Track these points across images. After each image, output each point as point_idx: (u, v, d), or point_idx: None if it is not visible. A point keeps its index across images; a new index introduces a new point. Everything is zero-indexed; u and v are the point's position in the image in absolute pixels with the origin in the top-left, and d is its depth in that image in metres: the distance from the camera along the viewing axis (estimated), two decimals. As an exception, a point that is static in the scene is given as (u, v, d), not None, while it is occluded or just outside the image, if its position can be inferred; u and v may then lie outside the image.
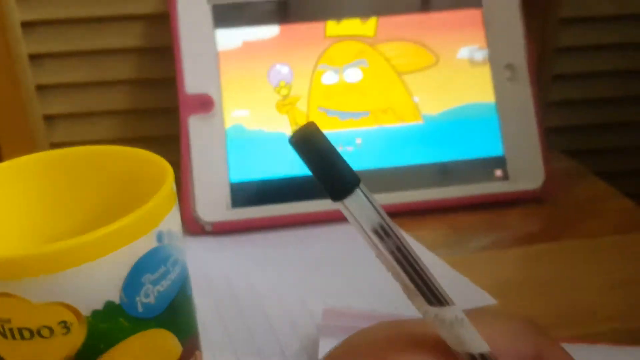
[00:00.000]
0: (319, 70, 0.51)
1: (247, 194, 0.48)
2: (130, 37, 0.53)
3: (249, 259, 0.45)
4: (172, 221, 0.28)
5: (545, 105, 0.61)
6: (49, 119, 0.55)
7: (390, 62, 0.51)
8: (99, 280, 0.24)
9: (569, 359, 0.23)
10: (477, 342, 0.20)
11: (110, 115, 0.56)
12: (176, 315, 0.28)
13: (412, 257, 0.18)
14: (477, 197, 0.50)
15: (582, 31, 0.59)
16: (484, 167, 0.51)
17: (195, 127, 0.48)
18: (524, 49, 0.52)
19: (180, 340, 0.29)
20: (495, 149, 0.51)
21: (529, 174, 0.51)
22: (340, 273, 0.42)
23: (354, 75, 0.51)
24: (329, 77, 0.51)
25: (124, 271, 0.25)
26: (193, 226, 0.48)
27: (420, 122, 0.51)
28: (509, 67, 0.52)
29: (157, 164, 0.30)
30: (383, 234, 0.18)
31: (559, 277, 0.42)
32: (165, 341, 0.28)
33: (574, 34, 0.58)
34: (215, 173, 0.48)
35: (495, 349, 0.21)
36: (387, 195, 0.50)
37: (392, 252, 0.18)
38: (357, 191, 0.18)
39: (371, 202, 0.18)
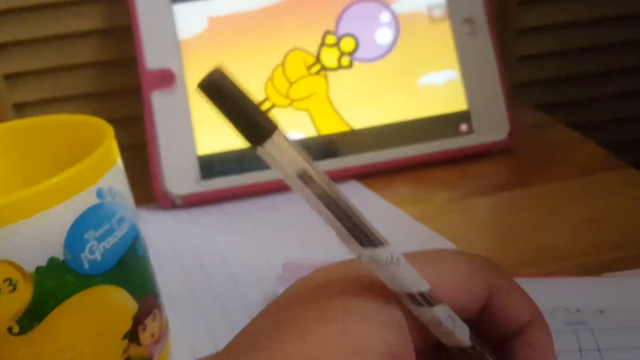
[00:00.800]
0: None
1: (216, 165, 0.49)
2: (91, 19, 0.54)
3: (218, 227, 0.45)
4: (114, 179, 0.28)
5: (514, 60, 0.61)
6: (19, 107, 0.56)
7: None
8: (39, 237, 0.25)
9: (523, 295, 0.23)
10: (416, 282, 0.20)
11: (79, 99, 0.56)
12: (127, 272, 0.29)
13: (341, 200, 0.18)
14: (443, 152, 0.51)
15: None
16: (449, 123, 0.51)
17: (159, 102, 0.49)
18: (482, 2, 0.52)
19: (134, 297, 0.30)
20: (459, 103, 0.51)
21: (494, 126, 0.51)
22: (310, 235, 0.43)
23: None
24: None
25: (64, 227, 0.26)
26: (164, 200, 0.48)
27: (383, 82, 0.51)
28: (468, 21, 0.52)
29: (98, 126, 0.30)
30: (308, 178, 0.18)
31: (527, 221, 0.43)
32: (117, 297, 0.28)
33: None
34: (182, 147, 0.49)
35: (446, 291, 0.21)
36: (352, 158, 0.50)
37: (319, 196, 0.18)
38: (275, 135, 0.17)
39: (292, 146, 0.17)
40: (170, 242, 0.44)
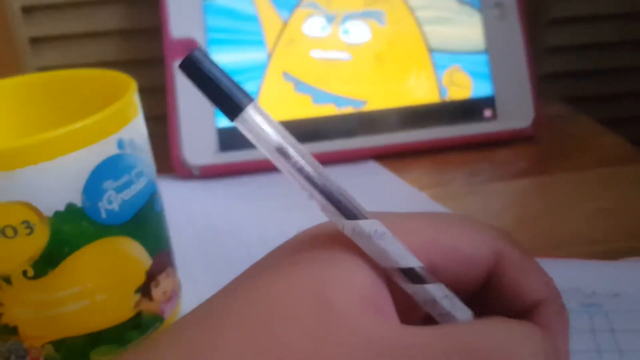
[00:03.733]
0: (301, 9, 0.50)
1: (235, 138, 0.49)
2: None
3: (233, 198, 0.45)
4: (134, 131, 0.28)
5: (543, 50, 0.60)
6: (42, 71, 0.56)
7: (415, 13, 0.50)
8: (58, 181, 0.25)
9: (537, 270, 0.22)
10: (404, 256, 0.19)
11: (102, 67, 0.56)
12: (143, 226, 0.29)
13: (321, 173, 0.19)
14: (466, 137, 0.50)
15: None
16: (473, 107, 0.50)
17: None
18: (513, -12, 0.51)
19: (149, 252, 0.30)
20: (484, 88, 0.51)
21: (518, 113, 0.51)
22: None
23: (357, 32, 0.51)
24: (314, 25, 0.50)
25: (83, 174, 0.26)
26: (181, 170, 0.48)
27: (407, 64, 0.51)
28: (498, 5, 0.51)
29: (122, 80, 0.30)
30: (284, 153, 0.18)
31: (545, 207, 0.42)
32: (132, 250, 0.28)
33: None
34: (202, 118, 0.49)
35: (441, 248, 0.20)
36: (372, 138, 0.50)
37: (299, 170, 0.19)
38: (249, 109, 0.18)
39: (267, 121, 0.18)
40: (185, 209, 0.44)
